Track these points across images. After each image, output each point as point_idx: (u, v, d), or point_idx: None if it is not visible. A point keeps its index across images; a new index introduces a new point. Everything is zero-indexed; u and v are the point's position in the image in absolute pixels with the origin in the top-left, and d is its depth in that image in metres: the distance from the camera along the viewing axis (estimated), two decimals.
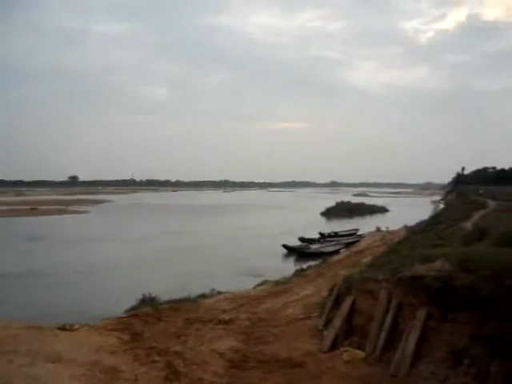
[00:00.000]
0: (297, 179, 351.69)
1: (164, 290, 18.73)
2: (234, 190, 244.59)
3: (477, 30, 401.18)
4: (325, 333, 11.36)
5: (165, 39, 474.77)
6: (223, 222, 68.19)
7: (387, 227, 47.47)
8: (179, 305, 15.35)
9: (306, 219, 69.28)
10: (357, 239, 44.56)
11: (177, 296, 16.99)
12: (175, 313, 14.22)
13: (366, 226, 56.05)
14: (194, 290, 18.71)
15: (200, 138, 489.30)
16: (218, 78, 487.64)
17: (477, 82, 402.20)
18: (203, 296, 17.67)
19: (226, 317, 14.01)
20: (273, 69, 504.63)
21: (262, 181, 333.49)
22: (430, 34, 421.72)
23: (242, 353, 10.70)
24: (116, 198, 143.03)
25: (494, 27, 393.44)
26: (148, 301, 16.10)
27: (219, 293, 18.37)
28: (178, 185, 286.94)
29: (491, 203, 42.36)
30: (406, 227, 43.36)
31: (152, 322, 13.12)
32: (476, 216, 29.49)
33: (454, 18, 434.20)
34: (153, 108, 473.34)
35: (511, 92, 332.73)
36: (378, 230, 47.88)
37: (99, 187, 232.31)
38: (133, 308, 15.64)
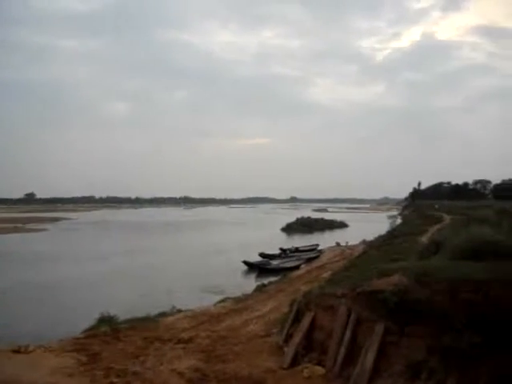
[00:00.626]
0: (257, 195, 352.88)
1: (123, 309, 18.41)
2: (195, 207, 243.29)
3: (431, 49, 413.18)
4: (285, 349, 11.34)
5: (126, 55, 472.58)
6: (184, 239, 67.70)
7: (346, 242, 48.04)
8: (138, 324, 15.11)
9: (266, 235, 69.38)
10: (317, 254, 44.82)
11: (136, 315, 16.71)
12: (134, 332, 13.99)
13: (325, 241, 56.54)
14: (154, 308, 18.44)
15: (161, 154, 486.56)
16: (179, 93, 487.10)
17: (432, 100, 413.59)
18: (163, 314, 17.44)
19: (185, 335, 13.85)
20: (234, 85, 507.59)
21: (222, 197, 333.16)
22: (387, 52, 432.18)
23: (202, 372, 10.58)
24: (76, 216, 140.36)
25: (448, 46, 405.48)
26: (106, 320, 15.81)
27: (179, 311, 18.17)
28: (138, 202, 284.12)
29: (446, 217, 43.24)
30: (364, 242, 43.93)
31: (110, 342, 12.87)
32: (432, 230, 30.06)
33: (410, 36, 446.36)
34: (114, 123, 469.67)
35: (464, 109, 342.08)
36: (338, 244, 48.38)
37: (58, 204, 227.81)
38: (91, 328, 15.29)
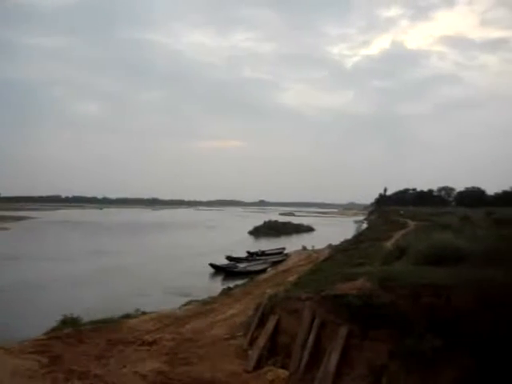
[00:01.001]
0: (226, 198, 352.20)
1: (87, 311, 18.13)
2: (163, 209, 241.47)
3: (400, 57, 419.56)
4: (249, 352, 11.33)
5: (98, 54, 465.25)
6: (151, 241, 67.07)
7: (313, 246, 48.27)
8: (102, 326, 14.89)
9: (234, 238, 69.28)
10: (283, 258, 44.90)
11: (100, 316, 16.47)
12: (97, 334, 13.78)
13: (292, 244, 56.67)
14: (119, 310, 18.18)
15: (130, 155, 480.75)
16: (150, 95, 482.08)
17: (400, 107, 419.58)
18: (127, 316, 17.20)
19: (150, 338, 13.69)
20: (206, 87, 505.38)
21: (191, 199, 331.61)
22: (356, 59, 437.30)
23: (166, 375, 10.48)
24: (40, 215, 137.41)
25: (416, 55, 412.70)
26: (69, 322, 15.53)
27: (144, 313, 17.96)
28: (105, 202, 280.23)
29: (411, 223, 43.88)
30: (330, 246, 44.23)
31: (73, 344, 12.65)
32: (396, 236, 30.47)
33: (379, 44, 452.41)
34: (83, 123, 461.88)
35: (431, 117, 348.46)
36: (304, 248, 48.56)
37: (22, 203, 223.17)
38: (53, 329, 14.98)
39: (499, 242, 10.45)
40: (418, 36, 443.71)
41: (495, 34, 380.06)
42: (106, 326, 14.83)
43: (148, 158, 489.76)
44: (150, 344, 13.02)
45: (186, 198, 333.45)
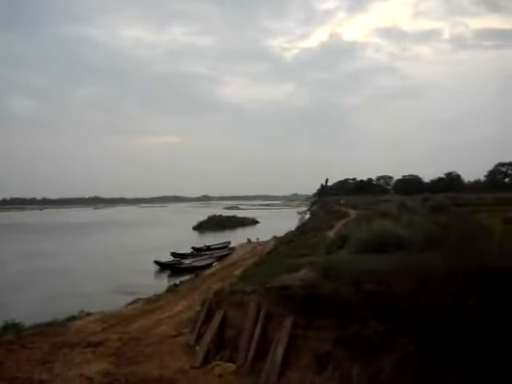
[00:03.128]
0: (169, 194, 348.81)
1: (30, 315, 17.67)
2: (106, 207, 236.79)
3: (338, 49, 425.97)
4: (197, 348, 11.34)
5: (32, 49, 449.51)
6: (92, 241, 65.69)
7: (257, 238, 48.55)
8: (46, 329, 14.58)
9: (178, 234, 68.78)
10: (229, 252, 45.00)
11: (44, 320, 16.07)
12: (41, 338, 13.45)
13: (237, 238, 56.79)
14: (63, 312, 17.79)
15: (69, 153, 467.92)
16: (88, 91, 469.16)
17: (339, 98, 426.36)
18: (72, 318, 16.90)
19: (95, 339, 13.49)
20: (146, 83, 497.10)
21: (133, 196, 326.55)
22: (296, 51, 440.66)
23: (112, 375, 10.34)
24: None
25: (353, 47, 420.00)
26: (10, 327, 15.08)
27: (89, 314, 17.68)
28: (44, 202, 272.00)
29: (352, 212, 44.73)
30: (275, 238, 44.60)
31: (15, 350, 12.29)
32: (338, 225, 31.03)
33: (318, 37, 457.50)
34: (17, 122, 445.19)
35: (369, 108, 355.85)
36: (249, 241, 48.79)
37: None
38: None
39: (434, 227, 10.81)
40: (355, 28, 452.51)
41: (428, 25, 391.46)
42: (49, 330, 14.53)
43: (88, 155, 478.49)
44: (96, 345, 12.82)
45: (129, 196, 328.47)
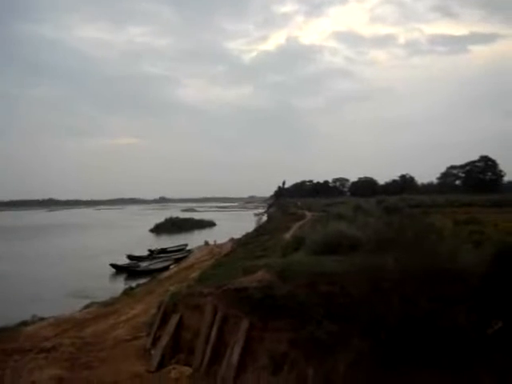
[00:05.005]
0: (125, 196, 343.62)
1: None
2: (60, 209, 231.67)
3: (295, 53, 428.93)
4: (152, 352, 11.24)
5: None
6: (46, 244, 64.18)
7: (215, 241, 48.43)
8: None
9: (134, 237, 67.96)
10: (186, 254, 44.74)
11: None
12: None
13: (194, 240, 56.54)
14: (14, 317, 17.38)
15: (22, 154, 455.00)
16: (42, 92, 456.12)
17: (296, 101, 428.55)
18: (23, 324, 16.51)
19: (48, 344, 13.21)
20: (102, 83, 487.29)
21: (89, 198, 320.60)
22: (254, 54, 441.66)
23: (66, 381, 10.19)
24: None
25: (311, 50, 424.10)
26: None
27: (42, 319, 17.31)
28: None
29: (308, 214, 45.14)
30: (232, 240, 44.60)
31: None
32: (295, 227, 31.28)
33: (276, 40, 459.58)
34: None
35: (326, 111, 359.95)
36: (206, 244, 48.61)
37: None
38: None
39: (387, 229, 11.02)
40: (312, 32, 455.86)
41: (383, 30, 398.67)
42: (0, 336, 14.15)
43: (42, 157, 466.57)
44: (49, 351, 12.56)
45: (85, 198, 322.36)
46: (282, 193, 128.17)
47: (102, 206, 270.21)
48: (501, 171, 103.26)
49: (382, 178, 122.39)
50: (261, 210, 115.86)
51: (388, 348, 8.04)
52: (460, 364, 7.97)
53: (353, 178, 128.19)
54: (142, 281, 29.65)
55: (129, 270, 38.63)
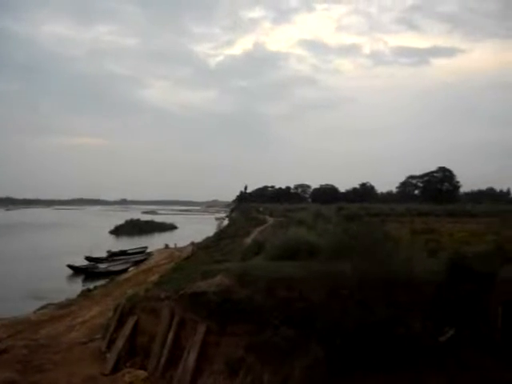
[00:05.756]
0: (87, 197, 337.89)
1: None
2: (18, 208, 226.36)
3: (262, 58, 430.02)
4: (108, 355, 11.12)
5: None
6: (4, 243, 62.69)
7: (175, 244, 48.15)
8: None
9: (94, 238, 66.89)
10: (146, 257, 44.34)
11: None
12: None
13: (155, 243, 56.05)
14: None
15: None
16: (5, 87, 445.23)
17: (261, 107, 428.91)
18: None
19: (0, 346, 12.93)
20: (66, 81, 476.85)
21: (49, 198, 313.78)
22: (220, 58, 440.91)
23: None
24: None
25: (277, 57, 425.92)
26: None
27: None
28: None
29: (269, 219, 45.27)
30: (192, 244, 44.41)
31: None
32: (255, 232, 31.36)
33: (242, 45, 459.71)
34: None
35: (290, 117, 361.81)
36: (167, 247, 48.30)
37: None
38: None
39: (345, 236, 11.16)
40: (279, 38, 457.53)
41: (349, 39, 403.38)
42: None
43: (1, 154, 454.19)
44: (0, 353, 12.29)
45: (44, 197, 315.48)
46: (244, 197, 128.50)
47: (61, 206, 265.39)
48: (458, 182, 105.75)
49: (343, 186, 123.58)
50: (223, 215, 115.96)
51: (344, 353, 8.14)
52: (414, 370, 8.12)
53: (314, 184, 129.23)
54: (99, 283, 29.25)
55: (87, 271, 38.04)
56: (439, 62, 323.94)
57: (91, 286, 28.16)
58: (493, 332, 8.58)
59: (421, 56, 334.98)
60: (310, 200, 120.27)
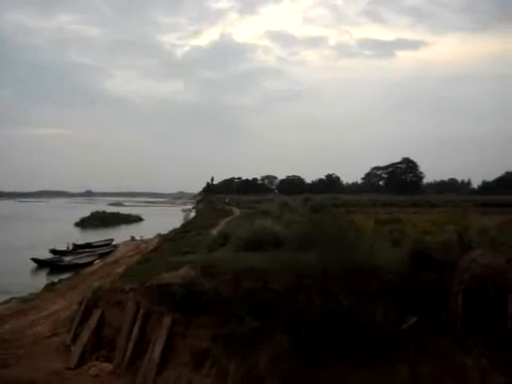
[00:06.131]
0: (50, 189, 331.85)
1: None
2: None
3: (228, 49, 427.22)
4: (73, 349, 11.01)
5: None
6: None
7: (141, 236, 47.81)
8: None
9: (59, 230, 65.89)
10: (111, 249, 43.92)
11: None
12: None
13: (121, 235, 55.51)
14: None
15: None
16: None
17: (227, 98, 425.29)
18: None
19: None
20: (27, 71, 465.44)
21: (10, 190, 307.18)
22: (186, 48, 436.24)
23: None
24: None
25: (243, 48, 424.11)
26: None
27: None
28: None
29: (236, 211, 45.32)
30: (159, 235, 44.17)
31: None
32: (222, 223, 31.36)
33: (209, 35, 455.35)
34: None
35: (256, 108, 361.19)
36: (133, 239, 47.92)
37: None
38: None
39: (310, 226, 11.29)
40: (246, 29, 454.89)
41: (316, 31, 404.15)
42: None
43: None
44: None
45: (6, 189, 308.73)
46: (210, 189, 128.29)
47: (25, 198, 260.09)
48: (421, 173, 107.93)
49: (310, 177, 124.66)
50: (189, 206, 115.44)
51: (309, 343, 8.26)
52: (377, 357, 8.28)
53: (281, 176, 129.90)
54: (65, 276, 28.86)
55: (52, 264, 37.47)
56: (404, 55, 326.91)
57: (56, 279, 27.76)
58: (454, 320, 8.79)
59: (385, 48, 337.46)
60: (276, 191, 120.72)
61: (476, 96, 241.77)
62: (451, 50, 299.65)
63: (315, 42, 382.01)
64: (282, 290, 9.02)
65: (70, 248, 45.71)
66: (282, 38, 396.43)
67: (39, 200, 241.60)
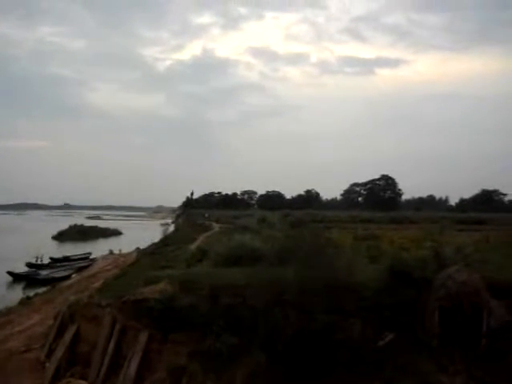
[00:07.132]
0: (28, 201, 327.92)
1: None
2: None
3: (210, 64, 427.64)
4: (47, 365, 10.86)
5: None
6: None
7: (120, 250, 47.46)
8: None
9: (36, 244, 65.08)
10: (89, 263, 43.50)
11: None
12: None
13: (99, 249, 55.03)
14: None
15: None
16: None
17: (209, 113, 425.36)
18: None
19: None
20: (7, 82, 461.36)
21: None
22: (168, 62, 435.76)
23: None
24: None
25: (225, 63, 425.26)
26: None
27: None
28: None
29: (215, 226, 45.19)
30: (137, 250, 43.88)
31: None
32: (201, 238, 31.26)
33: (191, 50, 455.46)
34: None
35: (237, 124, 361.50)
36: (111, 253, 47.56)
37: None
38: None
39: (289, 242, 11.31)
40: (228, 45, 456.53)
41: (297, 48, 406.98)
42: None
43: None
44: None
45: None
46: (190, 203, 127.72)
47: (2, 211, 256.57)
48: (400, 190, 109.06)
49: (289, 193, 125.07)
50: (168, 220, 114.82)
51: (285, 359, 8.25)
52: (354, 374, 8.31)
53: (261, 191, 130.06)
54: (41, 290, 28.46)
55: (28, 278, 36.95)
56: (383, 72, 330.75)
57: (32, 293, 27.35)
58: (430, 337, 8.85)
59: (366, 66, 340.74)
60: (256, 206, 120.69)
61: (454, 115, 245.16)
62: (431, 68, 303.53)
63: (297, 59, 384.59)
64: (259, 305, 8.99)
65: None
66: (264, 54, 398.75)
67: (16, 212, 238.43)
